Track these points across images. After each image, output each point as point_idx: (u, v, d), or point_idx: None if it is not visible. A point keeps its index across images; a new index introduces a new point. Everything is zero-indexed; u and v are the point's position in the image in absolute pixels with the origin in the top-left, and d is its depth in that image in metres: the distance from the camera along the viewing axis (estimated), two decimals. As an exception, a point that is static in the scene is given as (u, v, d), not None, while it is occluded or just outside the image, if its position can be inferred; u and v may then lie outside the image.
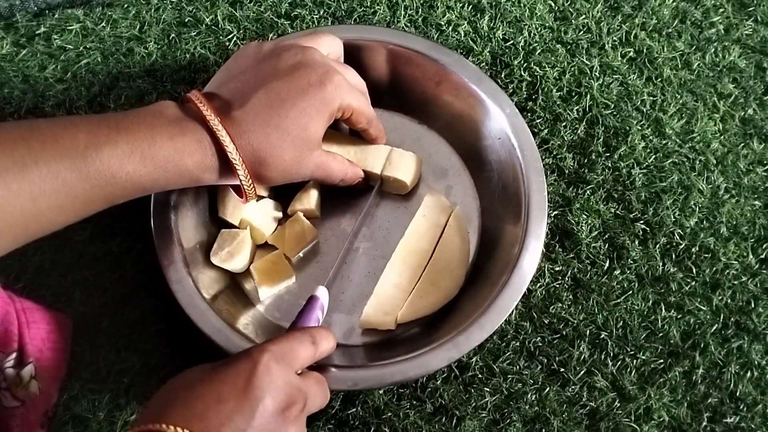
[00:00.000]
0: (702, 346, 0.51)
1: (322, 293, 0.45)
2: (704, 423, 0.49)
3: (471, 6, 0.61)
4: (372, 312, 0.49)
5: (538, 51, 0.59)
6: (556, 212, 0.54)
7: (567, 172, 0.55)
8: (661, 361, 0.50)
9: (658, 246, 0.53)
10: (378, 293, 0.49)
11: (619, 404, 0.49)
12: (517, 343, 0.50)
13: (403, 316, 0.49)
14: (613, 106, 0.57)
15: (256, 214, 0.51)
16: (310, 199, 0.52)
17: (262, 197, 0.52)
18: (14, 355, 0.44)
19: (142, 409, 0.43)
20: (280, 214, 0.52)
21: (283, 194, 0.53)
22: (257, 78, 0.42)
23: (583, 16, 0.61)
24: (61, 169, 0.35)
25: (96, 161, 0.36)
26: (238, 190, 0.45)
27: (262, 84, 0.42)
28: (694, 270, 0.53)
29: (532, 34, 0.60)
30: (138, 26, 0.59)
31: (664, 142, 0.57)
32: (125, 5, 0.59)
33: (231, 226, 0.51)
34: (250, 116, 0.41)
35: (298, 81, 0.42)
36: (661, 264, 0.53)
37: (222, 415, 0.33)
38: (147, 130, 0.38)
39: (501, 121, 0.51)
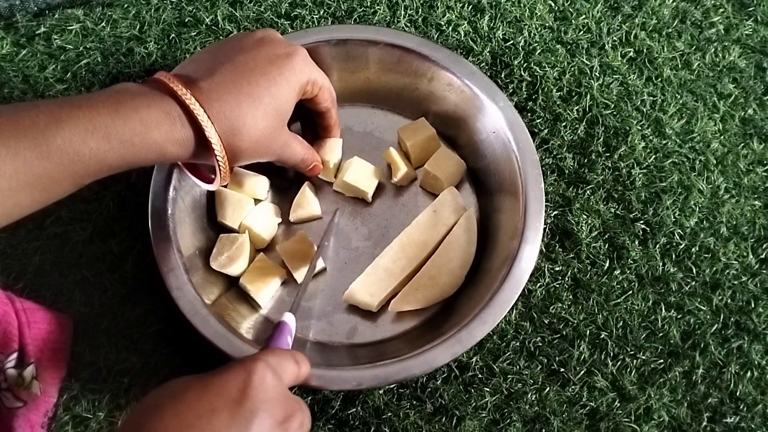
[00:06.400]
0: (702, 346, 0.51)
1: (289, 319, 0.43)
2: (704, 423, 0.49)
3: (471, 6, 0.61)
4: (357, 289, 0.49)
5: (538, 51, 0.59)
6: (556, 212, 0.54)
7: (567, 172, 0.55)
8: (661, 361, 0.50)
9: (658, 246, 0.53)
10: (368, 273, 0.50)
11: (619, 404, 0.49)
12: (517, 343, 0.50)
13: (395, 304, 0.49)
14: (613, 106, 0.57)
15: (255, 219, 0.51)
16: (310, 202, 0.52)
17: (259, 200, 0.52)
18: (15, 355, 0.44)
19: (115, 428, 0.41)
20: (279, 219, 0.52)
21: (283, 197, 0.53)
22: (221, 55, 0.42)
23: (583, 16, 0.61)
24: (21, 148, 0.34)
25: (57, 139, 0.34)
26: (204, 175, 0.45)
27: (228, 58, 0.41)
28: (694, 270, 0.53)
29: (532, 34, 0.60)
30: (138, 26, 0.59)
31: (664, 142, 0.57)
32: (125, 5, 0.59)
33: (230, 230, 0.51)
34: (219, 86, 0.39)
35: (264, 53, 0.42)
36: (661, 264, 0.53)
37: (215, 429, 0.31)
38: (111, 105, 0.36)
39: (495, 115, 0.51)
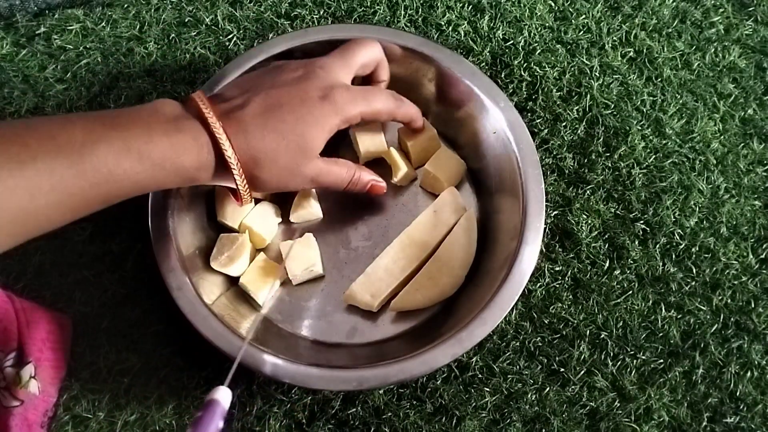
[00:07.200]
0: (702, 346, 0.51)
1: (223, 396, 0.37)
2: (704, 423, 0.49)
3: (471, 6, 0.61)
4: (358, 290, 0.49)
5: (538, 51, 0.59)
6: (556, 212, 0.54)
7: (567, 172, 0.55)
8: (661, 361, 0.50)
9: (658, 246, 0.53)
10: (368, 273, 0.50)
11: (619, 404, 0.49)
12: (517, 343, 0.50)
13: (395, 304, 0.49)
14: (613, 106, 0.57)
15: (255, 218, 0.51)
16: (310, 202, 0.52)
17: (260, 200, 0.52)
18: (13, 354, 0.44)
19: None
20: (279, 219, 0.52)
21: (283, 197, 0.53)
22: (259, 85, 0.43)
23: (583, 16, 0.61)
24: (57, 166, 0.35)
25: (92, 158, 0.36)
26: (235, 193, 0.45)
27: (263, 90, 0.43)
28: (694, 270, 0.53)
29: (532, 34, 0.60)
30: (138, 26, 0.59)
31: (664, 142, 0.57)
32: (125, 5, 0.59)
33: (230, 230, 0.51)
34: (248, 117, 0.41)
35: (298, 91, 0.43)
36: (661, 264, 0.53)
37: None
38: (143, 127, 0.38)
39: (495, 115, 0.51)
